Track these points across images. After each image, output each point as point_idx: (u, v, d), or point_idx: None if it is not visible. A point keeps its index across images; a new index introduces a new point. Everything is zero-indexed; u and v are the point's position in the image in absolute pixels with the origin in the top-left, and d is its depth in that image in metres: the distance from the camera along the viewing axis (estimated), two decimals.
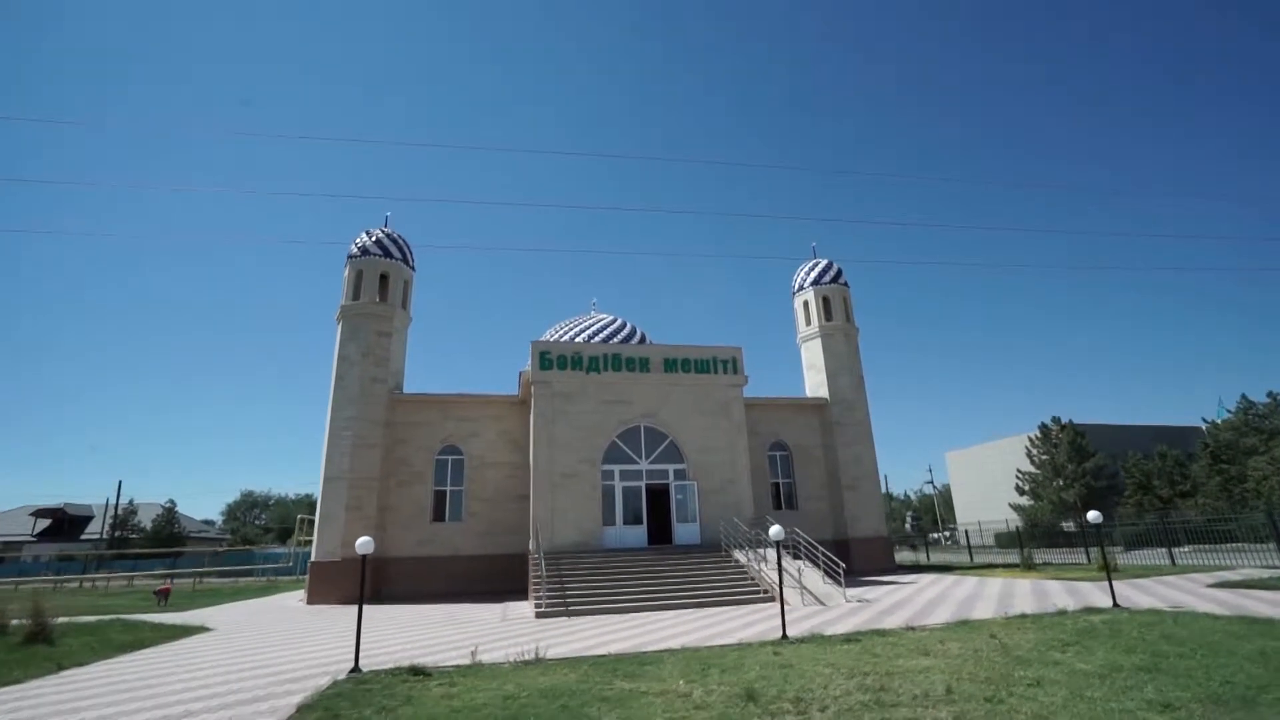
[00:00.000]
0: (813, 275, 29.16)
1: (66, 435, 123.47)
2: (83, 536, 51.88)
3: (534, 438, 20.83)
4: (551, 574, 17.03)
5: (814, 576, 16.82)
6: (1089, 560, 24.30)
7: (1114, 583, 13.13)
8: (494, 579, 21.68)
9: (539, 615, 14.68)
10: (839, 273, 29.21)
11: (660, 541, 21.02)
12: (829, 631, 10.76)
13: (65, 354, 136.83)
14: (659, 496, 21.65)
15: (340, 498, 21.44)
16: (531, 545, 19.14)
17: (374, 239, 24.97)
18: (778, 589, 11.33)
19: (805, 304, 29.13)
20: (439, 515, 22.89)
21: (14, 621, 13.04)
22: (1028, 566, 22.40)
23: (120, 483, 74.86)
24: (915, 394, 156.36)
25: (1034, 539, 33.28)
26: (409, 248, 26.01)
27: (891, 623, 11.51)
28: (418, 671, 8.29)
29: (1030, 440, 45.22)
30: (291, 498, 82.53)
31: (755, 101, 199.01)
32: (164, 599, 21.82)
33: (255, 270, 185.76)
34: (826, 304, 28.55)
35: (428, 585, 21.33)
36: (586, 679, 7.71)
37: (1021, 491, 44.36)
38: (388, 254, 24.84)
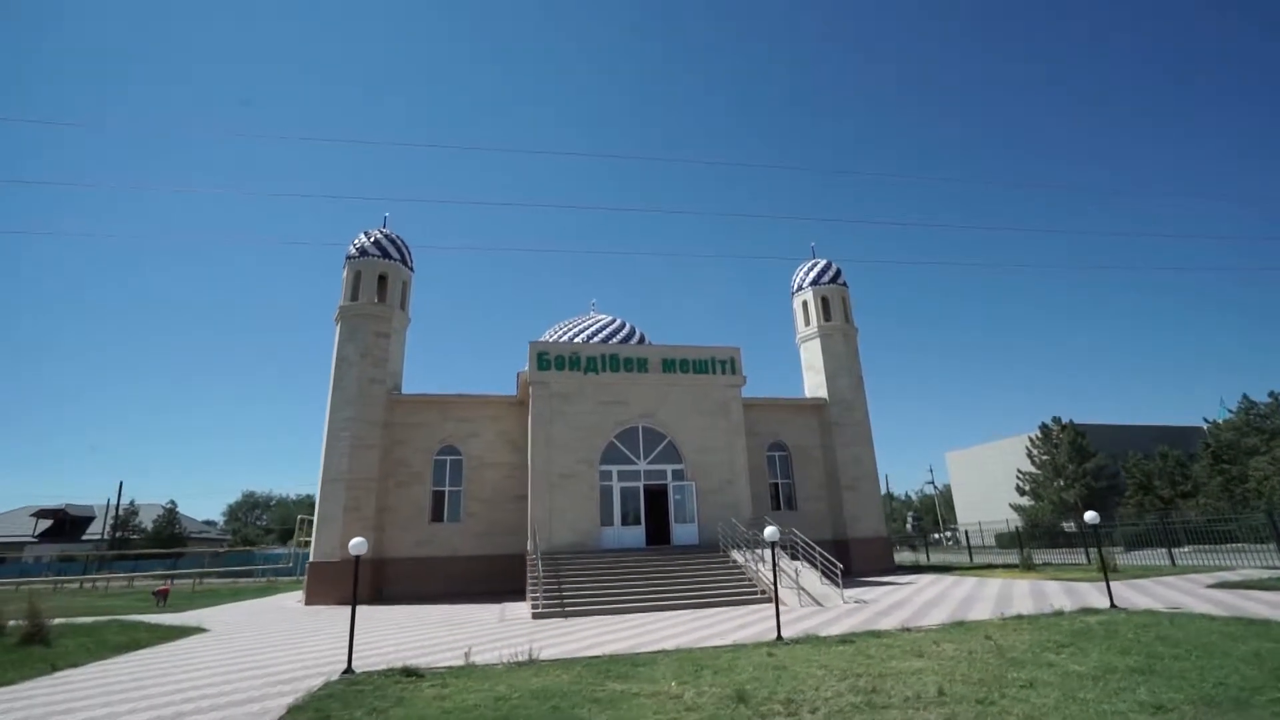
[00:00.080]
0: (811, 275, 29.13)
1: (67, 435, 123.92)
2: (84, 537, 52.00)
3: (532, 438, 20.82)
4: (548, 575, 17.01)
5: (811, 577, 16.79)
6: (1089, 561, 24.23)
7: (1114, 583, 13.11)
8: (493, 579, 21.66)
9: (535, 616, 14.66)
10: (838, 273, 29.18)
11: (658, 542, 21.00)
12: (824, 633, 10.73)
13: (65, 354, 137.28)
14: (657, 497, 21.63)
15: (338, 498, 21.44)
16: (529, 546, 19.13)
17: (372, 240, 24.99)
18: (774, 590, 11.30)
19: (804, 304, 29.10)
20: (437, 516, 22.88)
21: (11, 623, 13.03)
22: (1027, 567, 22.35)
23: (121, 483, 75.24)
24: (915, 394, 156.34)
25: (1034, 539, 33.23)
26: (407, 248, 26.02)
27: (887, 624, 11.48)
28: (410, 672, 8.28)
29: (1031, 440, 45.15)
30: (293, 498, 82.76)
31: (755, 101, 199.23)
32: (163, 600, 21.84)
33: (255, 270, 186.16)
34: (825, 304, 28.52)
35: (426, 586, 21.33)
36: (579, 680, 7.70)
37: (1022, 492, 44.28)
38: (386, 255, 24.85)
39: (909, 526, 72.07)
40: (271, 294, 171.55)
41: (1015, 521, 38.86)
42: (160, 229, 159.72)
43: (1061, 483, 41.87)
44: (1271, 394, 39.65)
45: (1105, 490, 40.77)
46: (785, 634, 10.38)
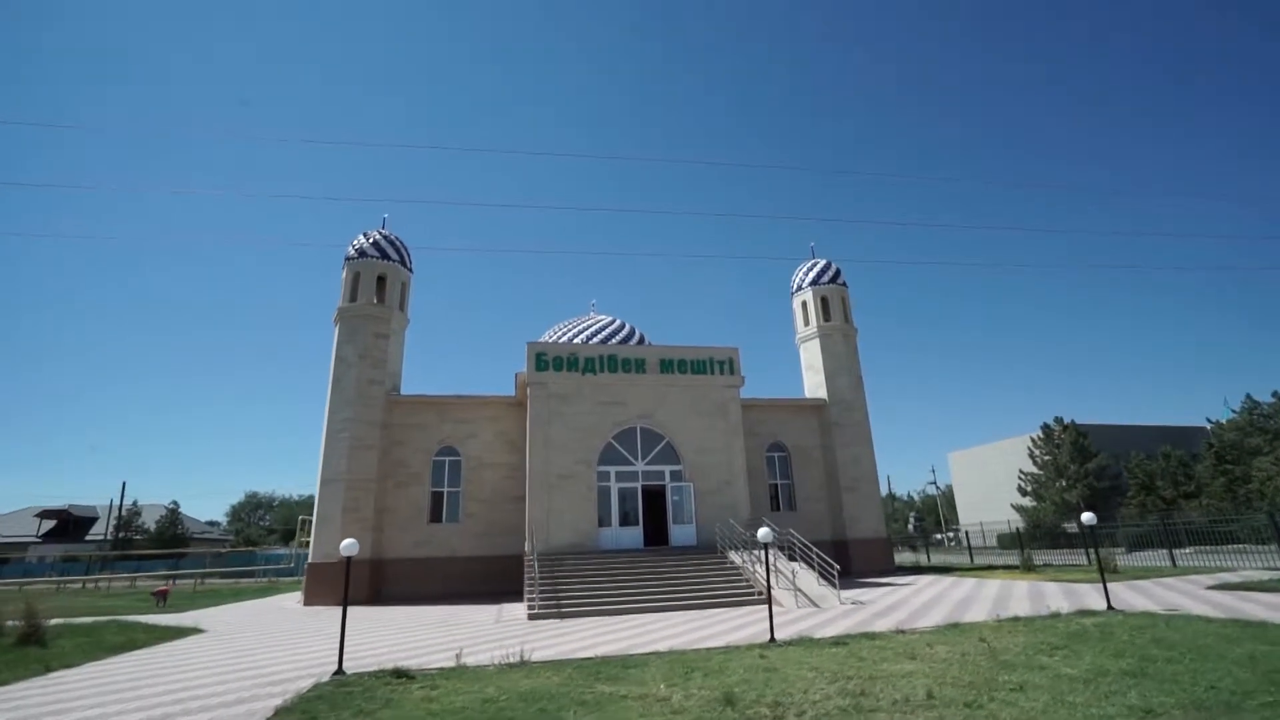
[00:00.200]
0: (811, 275, 29.07)
1: (67, 436, 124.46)
2: (87, 537, 52.26)
3: (530, 439, 20.81)
4: (545, 575, 17.00)
5: (809, 578, 16.74)
6: (1089, 562, 24.11)
7: (1114, 585, 13.07)
8: (491, 580, 21.65)
9: (531, 617, 14.66)
10: (837, 273, 29.12)
11: (656, 543, 20.97)
12: (819, 634, 10.69)
13: (65, 354, 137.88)
14: (655, 498, 21.61)
15: (337, 499, 21.46)
16: (526, 547, 19.13)
17: (371, 241, 25.02)
18: (767, 591, 11.27)
19: (804, 304, 29.04)
20: (436, 516, 22.89)
21: (8, 623, 13.07)
22: (1027, 568, 22.28)
23: (124, 484, 75.51)
24: (916, 394, 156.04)
25: (1036, 540, 33.09)
26: (406, 249, 26.05)
27: (883, 625, 11.44)
28: (401, 674, 8.28)
29: (1032, 441, 44.98)
30: (295, 499, 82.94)
31: (755, 101, 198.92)
32: (162, 600, 21.91)
33: (255, 270, 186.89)
34: (825, 304, 28.46)
35: (425, 586, 21.34)
36: (569, 682, 7.68)
37: (1024, 492, 44.10)
38: (385, 256, 24.88)
39: (911, 527, 71.86)
40: (271, 294, 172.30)
41: (1017, 522, 38.70)
42: (160, 229, 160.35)
43: (1063, 483, 41.70)
44: (1275, 394, 39.41)
45: (1107, 491, 40.60)
46: (780, 635, 10.34)
